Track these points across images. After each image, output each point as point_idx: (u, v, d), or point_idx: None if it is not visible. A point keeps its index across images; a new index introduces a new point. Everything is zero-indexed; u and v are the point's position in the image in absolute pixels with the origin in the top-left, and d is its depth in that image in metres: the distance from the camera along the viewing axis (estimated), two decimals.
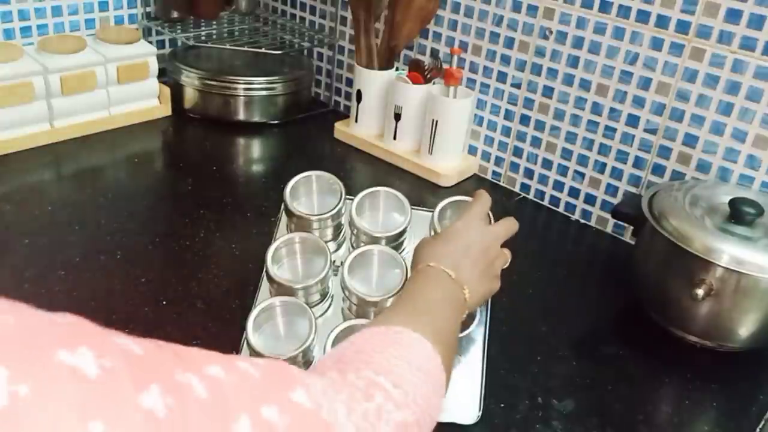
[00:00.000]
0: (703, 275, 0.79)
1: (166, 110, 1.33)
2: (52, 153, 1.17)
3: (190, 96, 1.33)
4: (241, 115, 1.34)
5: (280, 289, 0.75)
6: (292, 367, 0.43)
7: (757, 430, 0.77)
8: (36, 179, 1.11)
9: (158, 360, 0.34)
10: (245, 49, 1.37)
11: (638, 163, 1.05)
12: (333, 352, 0.53)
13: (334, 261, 0.79)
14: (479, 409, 0.72)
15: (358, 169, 1.25)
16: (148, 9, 1.40)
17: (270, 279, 0.76)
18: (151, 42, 1.36)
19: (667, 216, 0.84)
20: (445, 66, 1.17)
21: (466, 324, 0.75)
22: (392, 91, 1.22)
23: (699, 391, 0.81)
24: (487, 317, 0.78)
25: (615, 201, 1.09)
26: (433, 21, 1.22)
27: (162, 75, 1.32)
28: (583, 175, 1.12)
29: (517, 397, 0.75)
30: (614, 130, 1.06)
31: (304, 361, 0.71)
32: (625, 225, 1.06)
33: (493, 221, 0.77)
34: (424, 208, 0.86)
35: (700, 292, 0.78)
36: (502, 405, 0.74)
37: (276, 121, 1.36)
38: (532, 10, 1.09)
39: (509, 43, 1.14)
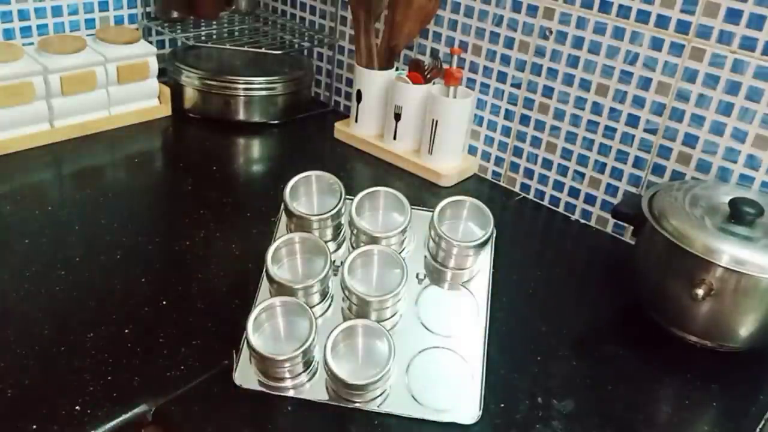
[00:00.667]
0: (703, 275, 0.79)
1: (166, 110, 1.33)
2: (52, 153, 1.17)
3: (190, 96, 1.33)
4: (241, 115, 1.34)
5: (280, 289, 0.75)
6: None
7: (757, 430, 0.77)
8: (36, 179, 1.10)
9: None
10: (245, 49, 1.37)
11: (638, 163, 1.05)
12: None
13: (334, 261, 0.79)
14: (479, 409, 0.72)
15: (358, 169, 1.25)
16: (148, 9, 1.40)
17: (270, 279, 0.76)
18: (151, 42, 1.36)
19: (667, 216, 0.84)
20: (445, 66, 1.17)
21: None
22: (392, 91, 1.22)
23: (699, 391, 0.81)
24: (487, 317, 0.78)
25: (615, 201, 1.09)
26: (433, 21, 1.22)
27: (162, 75, 1.32)
28: (583, 175, 1.12)
29: (517, 397, 0.75)
30: (614, 130, 1.06)
31: (304, 361, 0.71)
32: (625, 225, 1.06)
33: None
34: (424, 208, 0.86)
35: (700, 292, 0.78)
36: (502, 405, 0.74)
37: (276, 121, 1.36)
38: (532, 10, 1.09)
39: (509, 43, 1.14)
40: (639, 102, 1.02)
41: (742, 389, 0.83)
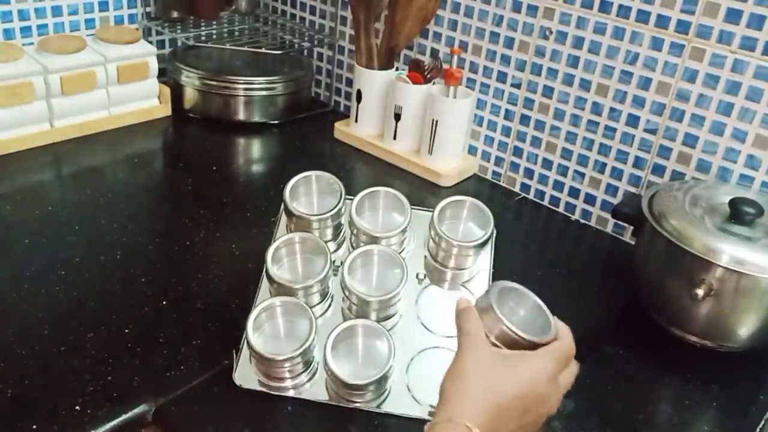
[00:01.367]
0: (703, 275, 0.79)
1: (166, 110, 1.33)
2: (52, 153, 1.17)
3: (190, 96, 1.33)
4: (241, 115, 1.34)
5: (280, 289, 0.75)
6: None
7: (757, 430, 0.77)
8: (36, 179, 1.10)
9: None
10: (245, 49, 1.37)
11: (638, 163, 1.05)
12: None
13: (333, 261, 0.79)
14: None
15: (358, 169, 1.25)
16: (148, 9, 1.40)
17: (270, 279, 0.76)
18: (151, 42, 1.36)
19: (667, 216, 0.84)
20: (445, 66, 1.17)
21: None
22: (392, 91, 1.22)
23: (699, 391, 0.81)
24: None
25: (615, 201, 1.09)
26: (433, 21, 1.22)
27: (162, 75, 1.32)
28: (583, 175, 1.12)
29: None
30: (614, 130, 1.06)
31: (304, 361, 0.71)
32: (625, 225, 1.06)
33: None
34: (424, 208, 0.86)
35: (700, 292, 0.78)
36: None
37: (276, 121, 1.36)
38: (532, 10, 1.09)
39: (509, 43, 1.14)
40: (639, 102, 1.02)
41: (742, 389, 0.83)
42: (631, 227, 0.97)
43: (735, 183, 0.97)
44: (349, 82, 1.40)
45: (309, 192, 0.85)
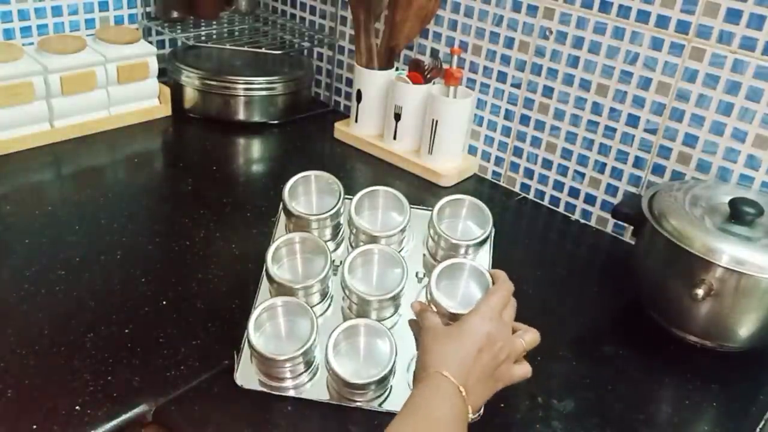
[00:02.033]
0: (703, 275, 0.79)
1: (166, 110, 1.33)
2: (52, 153, 1.17)
3: (190, 96, 1.33)
4: (241, 115, 1.34)
5: (280, 289, 0.75)
6: None
7: (757, 430, 0.77)
8: (36, 179, 1.11)
9: None
10: (245, 49, 1.37)
11: (638, 163, 1.05)
12: None
13: (333, 261, 0.79)
14: (479, 409, 0.72)
15: (358, 169, 1.25)
16: (148, 9, 1.40)
17: (270, 279, 0.76)
18: (151, 42, 1.36)
19: (667, 216, 0.84)
20: (445, 66, 1.17)
21: None
22: (392, 91, 1.22)
23: (699, 391, 0.81)
24: None
25: (615, 201, 1.09)
26: (433, 21, 1.22)
27: (162, 75, 1.32)
28: (583, 175, 1.12)
29: (517, 397, 0.75)
30: (614, 130, 1.06)
31: (305, 360, 0.71)
32: (625, 225, 1.06)
33: (514, 305, 0.72)
34: (423, 207, 0.86)
35: (700, 292, 0.78)
36: (502, 405, 0.74)
37: (276, 121, 1.36)
38: (532, 10, 1.09)
39: (509, 43, 1.14)
40: (639, 102, 1.02)
41: (742, 389, 0.83)
42: (631, 227, 0.97)
43: (735, 183, 0.97)
44: (349, 82, 1.40)
45: (308, 192, 0.85)
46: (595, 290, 0.98)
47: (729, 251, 0.78)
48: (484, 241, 0.82)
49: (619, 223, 1.07)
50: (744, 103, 0.93)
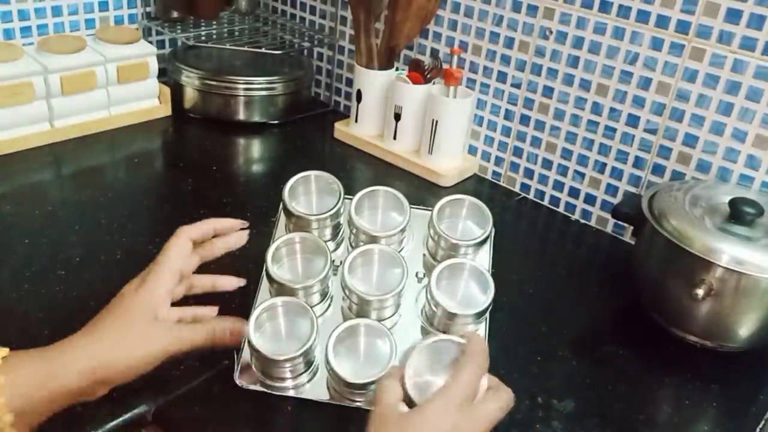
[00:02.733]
0: (703, 275, 0.79)
1: (166, 110, 1.33)
2: (52, 153, 1.17)
3: (190, 96, 1.33)
4: (241, 115, 1.34)
5: (280, 289, 0.75)
6: None
7: (757, 430, 0.77)
8: (36, 179, 1.10)
9: None
10: (245, 49, 1.37)
11: (638, 163, 1.05)
12: None
13: (333, 261, 0.79)
14: None
15: (358, 169, 1.25)
16: (148, 9, 1.40)
17: (270, 279, 0.76)
18: (151, 42, 1.36)
19: (667, 216, 0.84)
20: (445, 66, 1.17)
21: None
22: (392, 91, 1.22)
23: (699, 391, 0.81)
24: (487, 321, 0.78)
25: (615, 201, 1.09)
26: (433, 21, 1.22)
27: (162, 75, 1.32)
28: (583, 175, 1.12)
29: (517, 397, 0.75)
30: (614, 130, 1.06)
31: (305, 360, 0.71)
32: (625, 225, 1.06)
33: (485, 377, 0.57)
34: (423, 207, 0.86)
35: (700, 292, 0.78)
36: None
37: (276, 121, 1.36)
38: (532, 10, 1.09)
39: (509, 43, 1.14)
40: (639, 102, 1.02)
41: (742, 389, 0.83)
42: (631, 227, 0.97)
43: (735, 183, 0.97)
44: (349, 82, 1.40)
45: (308, 192, 0.85)
46: (595, 290, 0.98)
47: (729, 251, 0.78)
48: (484, 241, 0.82)
49: (619, 223, 1.07)
50: (744, 103, 0.93)
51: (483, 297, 0.76)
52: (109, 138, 1.24)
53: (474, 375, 0.54)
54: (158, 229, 1.01)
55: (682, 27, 0.95)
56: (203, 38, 1.44)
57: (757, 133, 0.93)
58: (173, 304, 0.66)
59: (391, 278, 0.77)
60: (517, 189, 1.21)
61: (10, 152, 1.14)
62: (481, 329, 0.77)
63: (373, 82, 1.25)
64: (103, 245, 0.94)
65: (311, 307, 0.73)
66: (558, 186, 1.16)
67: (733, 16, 0.91)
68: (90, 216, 1.01)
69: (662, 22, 0.97)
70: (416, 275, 0.82)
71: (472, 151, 1.25)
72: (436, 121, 1.17)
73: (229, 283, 0.69)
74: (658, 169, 1.04)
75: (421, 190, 1.17)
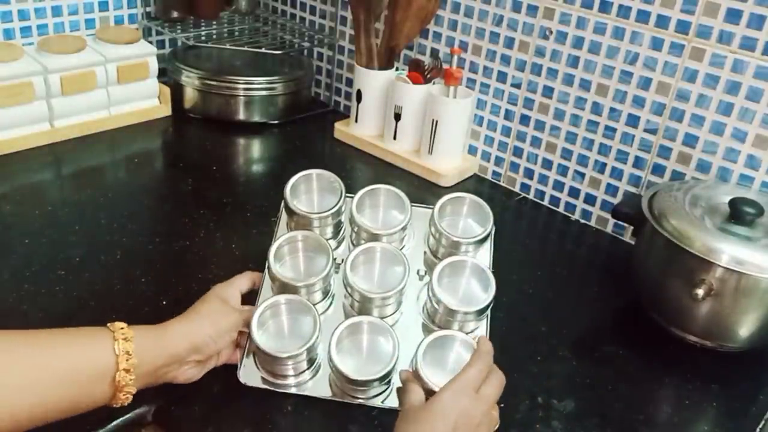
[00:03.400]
0: (703, 275, 0.79)
1: (166, 110, 1.33)
2: (52, 153, 1.17)
3: (190, 96, 1.33)
4: (241, 115, 1.34)
5: (282, 287, 0.75)
6: None
7: (757, 430, 0.77)
8: (36, 179, 1.10)
9: None
10: (245, 49, 1.37)
11: (638, 163, 1.05)
12: None
13: (335, 259, 0.79)
14: None
15: (358, 169, 1.25)
16: (148, 9, 1.40)
17: (272, 277, 0.76)
18: (151, 42, 1.36)
19: (667, 216, 0.84)
20: (445, 66, 1.17)
21: None
22: (392, 91, 1.22)
23: (699, 391, 0.81)
24: (487, 317, 0.78)
25: (615, 201, 1.09)
26: (433, 21, 1.22)
27: (162, 75, 1.32)
28: (583, 175, 1.12)
29: (517, 397, 0.75)
30: (614, 130, 1.06)
31: (308, 358, 0.72)
32: (625, 225, 1.06)
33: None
34: (424, 205, 0.86)
35: (700, 292, 0.78)
36: (502, 405, 0.74)
37: (276, 121, 1.36)
38: (532, 10, 1.09)
39: (509, 43, 1.14)
40: (639, 102, 1.02)
41: (742, 389, 0.83)
42: (631, 227, 0.97)
43: (735, 183, 0.97)
44: (349, 82, 1.40)
45: (309, 190, 0.85)
46: (595, 290, 0.98)
47: (729, 251, 0.78)
48: (485, 239, 0.82)
49: (619, 223, 1.07)
50: (744, 103, 0.93)
51: (484, 294, 0.76)
52: (109, 138, 1.24)
53: (480, 370, 0.64)
54: (158, 229, 1.01)
55: (682, 27, 0.95)
56: (203, 38, 1.44)
57: (757, 133, 0.93)
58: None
59: (393, 276, 0.77)
60: (517, 189, 1.21)
61: (10, 152, 1.14)
62: (482, 327, 0.77)
63: (373, 82, 1.25)
64: (103, 245, 0.94)
65: (313, 305, 0.74)
66: (558, 186, 1.16)
67: (733, 16, 0.91)
68: (90, 216, 1.01)
69: (662, 22, 0.97)
70: (417, 273, 0.82)
71: (472, 151, 1.26)
72: (436, 121, 1.17)
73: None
74: (658, 169, 1.04)
75: (421, 190, 1.17)
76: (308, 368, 0.73)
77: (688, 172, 1.01)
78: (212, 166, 1.19)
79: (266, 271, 0.78)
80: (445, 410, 0.60)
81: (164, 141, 1.29)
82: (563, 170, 1.14)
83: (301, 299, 0.74)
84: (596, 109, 1.07)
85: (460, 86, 1.17)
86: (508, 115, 1.18)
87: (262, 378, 0.73)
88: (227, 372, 0.73)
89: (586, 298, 0.96)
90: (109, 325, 0.64)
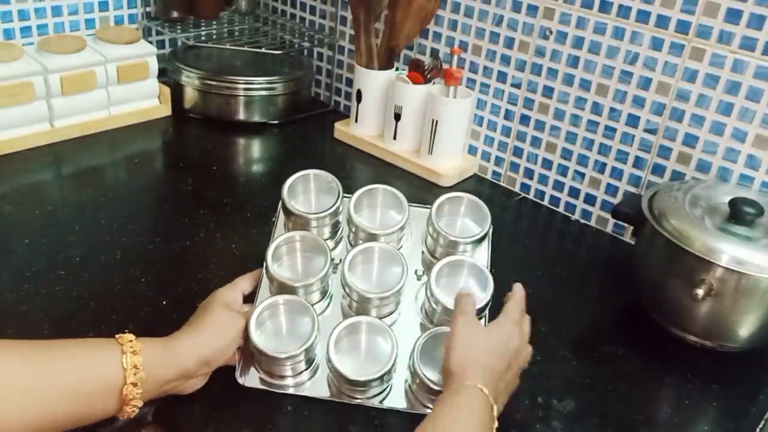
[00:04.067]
0: (703, 275, 0.79)
1: (166, 110, 1.33)
2: (52, 153, 1.17)
3: (190, 96, 1.33)
4: (241, 115, 1.34)
5: (280, 287, 0.75)
6: None
7: (757, 430, 0.77)
8: (36, 179, 1.11)
9: None
10: (245, 49, 1.37)
11: (638, 163, 1.05)
12: None
13: (333, 259, 0.79)
14: None
15: (358, 169, 1.25)
16: (148, 9, 1.40)
17: (270, 277, 0.76)
18: (151, 42, 1.36)
19: (667, 216, 0.84)
20: (445, 66, 1.17)
21: None
22: (392, 91, 1.22)
23: (699, 391, 0.81)
24: (486, 317, 0.78)
25: (615, 201, 1.09)
26: (433, 21, 1.22)
27: (162, 75, 1.32)
28: (583, 175, 1.12)
29: (517, 397, 0.75)
30: (614, 130, 1.06)
31: (306, 358, 0.71)
32: (625, 225, 1.06)
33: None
34: (422, 205, 0.86)
35: (700, 292, 0.78)
36: None
37: (276, 121, 1.36)
38: (532, 10, 1.09)
39: (509, 43, 1.14)
40: (639, 102, 1.02)
41: (742, 389, 0.83)
42: (631, 227, 0.97)
43: (735, 183, 0.97)
44: (349, 82, 1.40)
45: (307, 190, 0.85)
46: (595, 290, 0.98)
47: (729, 251, 0.78)
48: (482, 239, 0.82)
49: (619, 223, 1.07)
50: (744, 103, 0.93)
51: (482, 294, 0.76)
52: (109, 138, 1.24)
53: (522, 311, 0.74)
54: (158, 229, 1.01)
55: (682, 27, 0.95)
56: (203, 38, 1.44)
57: (757, 133, 0.93)
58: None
59: (391, 276, 0.77)
60: (517, 189, 1.21)
61: (10, 152, 1.14)
62: None
63: (373, 82, 1.25)
64: (103, 245, 0.94)
65: (312, 306, 0.73)
66: (558, 186, 1.16)
67: (733, 16, 0.91)
68: (90, 216, 1.01)
69: (662, 22, 0.97)
70: (415, 273, 0.82)
71: (472, 151, 1.25)
72: (436, 121, 1.17)
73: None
74: (658, 169, 1.03)
75: (421, 190, 1.17)
76: (307, 368, 0.73)
77: (688, 172, 1.01)
78: (212, 166, 1.19)
79: (264, 271, 0.78)
80: (506, 336, 0.68)
81: (164, 141, 1.29)
82: (563, 170, 1.14)
83: (299, 299, 0.74)
84: (596, 109, 1.07)
85: (460, 86, 1.17)
86: (508, 115, 1.18)
87: (261, 379, 0.73)
88: (227, 372, 0.73)
89: (586, 298, 0.96)
90: (117, 336, 0.64)
